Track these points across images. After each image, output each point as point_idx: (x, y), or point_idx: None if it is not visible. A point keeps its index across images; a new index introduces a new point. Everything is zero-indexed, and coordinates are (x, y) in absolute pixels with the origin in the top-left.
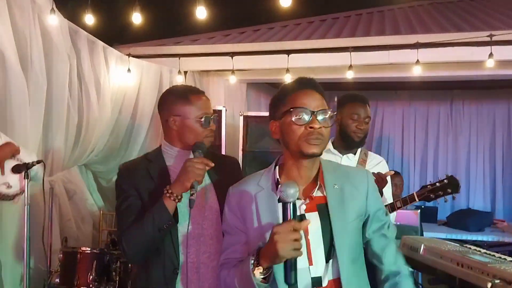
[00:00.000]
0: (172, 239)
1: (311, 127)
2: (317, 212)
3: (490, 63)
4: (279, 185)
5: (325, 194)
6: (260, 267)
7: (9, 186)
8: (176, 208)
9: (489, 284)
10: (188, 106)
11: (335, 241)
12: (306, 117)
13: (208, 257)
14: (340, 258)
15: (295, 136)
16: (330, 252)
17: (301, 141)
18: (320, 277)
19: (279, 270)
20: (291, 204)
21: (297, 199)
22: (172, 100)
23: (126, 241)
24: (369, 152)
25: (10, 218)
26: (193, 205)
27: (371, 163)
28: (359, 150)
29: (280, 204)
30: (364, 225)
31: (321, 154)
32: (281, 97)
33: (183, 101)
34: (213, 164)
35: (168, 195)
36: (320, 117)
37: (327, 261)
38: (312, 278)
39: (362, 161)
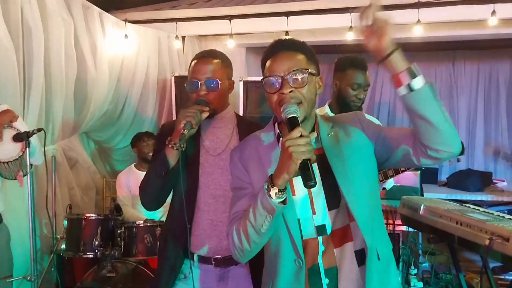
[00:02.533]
0: (189, 196)
1: (282, 93)
2: (316, 163)
3: (493, 21)
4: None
5: (322, 145)
6: (275, 188)
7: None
8: (180, 157)
9: (487, 241)
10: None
11: (339, 183)
12: (277, 84)
13: (227, 216)
14: (348, 197)
15: (272, 104)
16: (332, 200)
17: (277, 109)
18: (324, 225)
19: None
20: (296, 119)
21: None
22: None
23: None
24: (364, 114)
25: (15, 188)
26: (183, 142)
27: None
28: None
29: None
30: (380, 150)
31: (303, 118)
32: (262, 66)
33: None
34: (207, 108)
35: (168, 144)
36: (291, 79)
37: (330, 209)
38: (316, 226)
39: None
